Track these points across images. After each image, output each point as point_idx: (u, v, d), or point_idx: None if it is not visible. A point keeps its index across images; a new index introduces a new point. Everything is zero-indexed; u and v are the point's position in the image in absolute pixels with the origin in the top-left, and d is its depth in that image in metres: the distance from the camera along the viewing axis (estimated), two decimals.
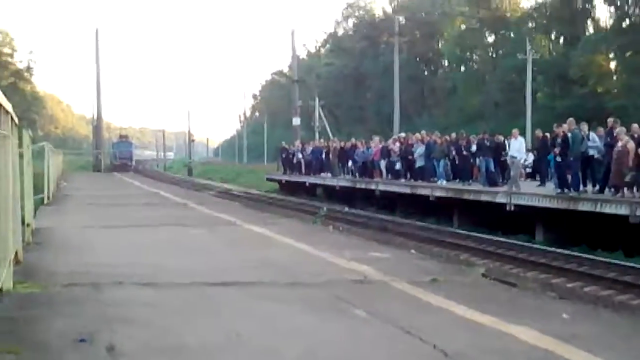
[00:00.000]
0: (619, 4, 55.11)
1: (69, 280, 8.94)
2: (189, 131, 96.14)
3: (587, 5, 59.61)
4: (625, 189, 17.93)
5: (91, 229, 16.05)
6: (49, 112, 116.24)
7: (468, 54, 74.14)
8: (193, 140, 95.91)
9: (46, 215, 18.99)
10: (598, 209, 18.19)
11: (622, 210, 17.28)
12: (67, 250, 12.36)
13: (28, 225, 12.89)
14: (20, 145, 11.32)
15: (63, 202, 25.26)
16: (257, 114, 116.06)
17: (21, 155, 11.50)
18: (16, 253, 9.65)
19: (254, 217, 20.56)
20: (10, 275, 8.15)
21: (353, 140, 37.49)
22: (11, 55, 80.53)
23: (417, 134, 31.94)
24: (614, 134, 19.02)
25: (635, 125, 19.22)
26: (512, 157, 23.30)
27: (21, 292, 8.14)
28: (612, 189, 18.52)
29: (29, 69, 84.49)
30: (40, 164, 24.10)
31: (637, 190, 17.89)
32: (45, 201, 23.61)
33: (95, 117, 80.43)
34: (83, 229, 15.84)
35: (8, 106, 7.53)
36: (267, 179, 48.75)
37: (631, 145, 17.83)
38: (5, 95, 7.37)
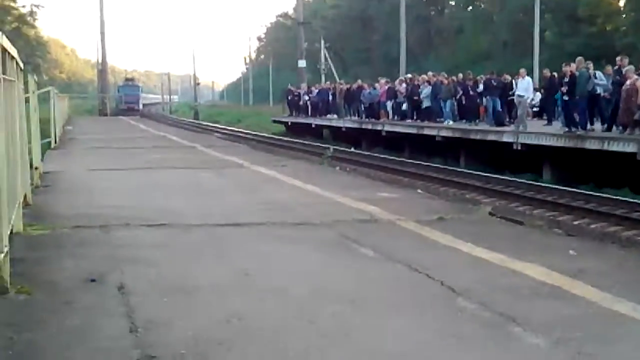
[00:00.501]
0: None
1: (78, 222, 9.01)
2: (194, 74, 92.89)
3: None
4: (634, 126, 17.86)
5: (98, 171, 15.95)
6: (53, 57, 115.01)
7: None
8: (198, 84, 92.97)
9: (53, 159, 18.93)
10: (605, 147, 18.05)
11: (630, 148, 17.15)
12: (75, 192, 12.41)
13: (36, 168, 12.98)
14: (26, 90, 11.33)
15: (70, 146, 24.87)
16: (262, 56, 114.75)
17: (27, 100, 11.45)
18: (25, 196, 9.73)
19: (261, 159, 20.31)
20: (20, 217, 8.17)
21: (359, 81, 36.61)
22: (14, 0, 79.56)
23: (424, 75, 31.53)
24: (623, 72, 18.71)
25: None
26: (519, 96, 22.98)
27: (31, 234, 8.19)
28: (621, 127, 18.37)
29: (32, 13, 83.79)
30: (46, 108, 23.86)
31: None
32: (52, 145, 23.38)
33: (100, 60, 77.09)
34: (90, 172, 15.84)
35: (13, 51, 7.44)
36: (273, 121, 48.14)
37: (639, 83, 17.72)
38: (10, 40, 7.19)
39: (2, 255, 5.53)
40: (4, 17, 69.78)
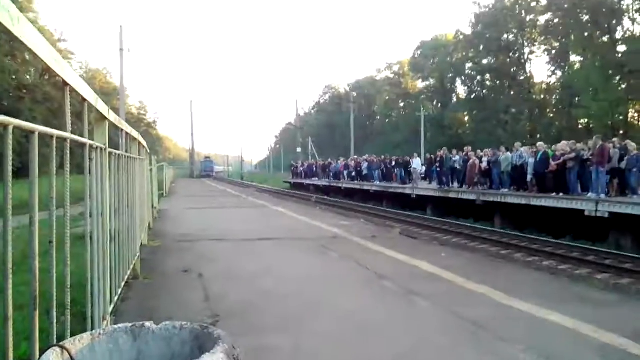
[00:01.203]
0: (469, 85, 60.77)
1: (177, 238, 9.62)
2: (241, 155, 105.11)
3: (452, 86, 65.54)
4: (474, 185, 19.80)
5: (188, 209, 16.94)
6: (165, 145, 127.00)
7: (390, 112, 79.36)
8: (243, 161, 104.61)
9: (164, 202, 19.83)
10: (460, 196, 19.76)
11: (472, 197, 18.92)
12: (175, 221, 13.08)
13: (155, 207, 13.57)
14: (150, 164, 11.88)
15: (173, 195, 25.82)
16: (278, 145, 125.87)
17: (151, 170, 12.02)
18: (149, 223, 10.33)
19: (276, 202, 21.76)
20: (146, 235, 8.74)
21: (329, 160, 41.26)
22: (145, 114, 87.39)
23: (364, 156, 34.64)
24: (468, 155, 21.03)
25: (480, 151, 21.19)
26: (414, 168, 25.02)
27: (152, 245, 8.74)
28: (468, 185, 20.15)
29: (154, 122, 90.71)
30: (161, 174, 24.74)
31: (481, 187, 19.66)
32: (165, 194, 24.26)
33: (190, 148, 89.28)
34: (184, 210, 16.72)
35: (144, 143, 8.05)
36: (284, 182, 52.49)
37: (476, 161, 19.83)
38: (142, 137, 7.87)
39: (137, 257, 6.00)
40: (139, 124, 74.83)
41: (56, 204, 2.33)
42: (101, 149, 3.53)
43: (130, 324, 2.04)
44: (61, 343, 1.85)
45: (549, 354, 3.71)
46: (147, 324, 2.03)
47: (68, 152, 2.52)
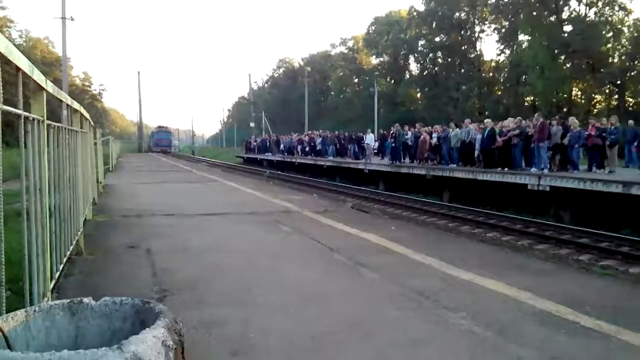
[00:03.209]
0: (422, 62, 61.69)
1: (123, 213, 9.40)
2: (192, 129, 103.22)
3: (406, 62, 66.07)
4: (424, 160, 20.24)
5: (136, 184, 16.48)
6: (112, 118, 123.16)
7: (344, 88, 79.15)
8: (195, 135, 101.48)
9: (110, 177, 19.12)
10: (410, 171, 20.15)
11: (422, 172, 19.29)
12: (122, 196, 12.75)
13: (100, 182, 13.20)
14: (94, 138, 11.25)
15: (120, 170, 24.92)
16: (230, 120, 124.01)
17: (95, 144, 11.42)
18: (94, 198, 10.03)
19: (229, 177, 21.19)
20: (90, 210, 8.57)
21: (282, 135, 41.37)
22: (89, 86, 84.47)
23: (317, 131, 34.55)
24: (418, 131, 21.45)
25: (430, 127, 21.92)
26: (367, 144, 25.20)
27: (97, 220, 8.55)
28: (418, 161, 20.58)
29: (99, 93, 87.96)
30: (107, 148, 24.04)
31: (431, 162, 20.15)
32: (110, 169, 23.49)
33: (138, 120, 76.52)
34: (131, 185, 16.27)
35: (87, 115, 7.81)
36: (236, 156, 51.66)
37: (427, 137, 20.26)
38: (86, 109, 7.71)
39: (80, 232, 5.82)
40: (84, 96, 72.55)
41: None
42: (38, 121, 3.37)
43: (68, 300, 1.99)
44: None
45: (489, 321, 3.87)
46: (86, 300, 1.99)
47: (0, 123, 2.38)
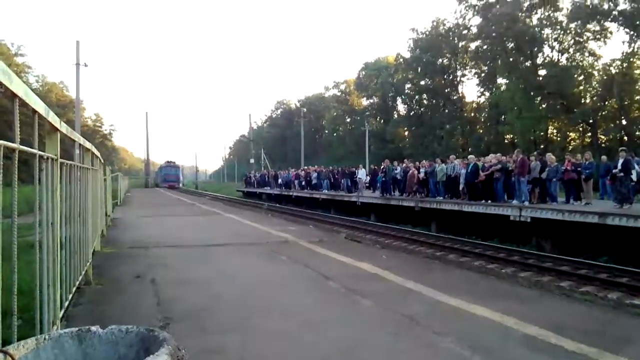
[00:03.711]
0: (408, 103, 62.39)
1: (130, 245, 9.38)
2: (196, 165, 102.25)
3: (394, 104, 66.86)
4: (413, 194, 20.18)
5: (143, 217, 16.43)
6: (121, 156, 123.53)
7: (337, 127, 79.96)
8: (198, 170, 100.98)
9: (118, 211, 19.13)
10: (400, 204, 20.07)
11: (411, 204, 19.19)
12: (129, 229, 12.65)
13: (108, 216, 13.18)
14: (104, 174, 11.31)
15: (127, 204, 24.88)
16: (232, 156, 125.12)
17: (105, 180, 11.44)
18: (102, 231, 10.05)
19: (229, 210, 21.25)
20: (99, 242, 8.58)
21: (280, 171, 41.37)
22: (100, 126, 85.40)
23: (313, 167, 34.72)
24: (407, 167, 21.49)
25: (418, 163, 21.80)
26: (359, 178, 25.38)
27: (104, 252, 8.51)
28: (407, 194, 20.53)
29: (110, 133, 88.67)
30: (116, 184, 24.08)
31: (419, 195, 20.10)
32: (119, 203, 23.54)
33: (145, 157, 75.55)
34: (138, 218, 16.23)
35: (98, 154, 7.82)
36: (237, 190, 51.54)
37: (415, 172, 20.27)
38: (97, 148, 7.76)
39: (88, 263, 5.79)
40: (95, 136, 73.38)
41: (7, 213, 2.22)
42: (52, 159, 3.38)
43: (76, 329, 1.96)
44: (4, 348, 1.75)
45: (477, 344, 3.81)
46: (93, 328, 1.96)
47: (16, 162, 2.40)
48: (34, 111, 2.81)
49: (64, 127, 3.79)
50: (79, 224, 4.99)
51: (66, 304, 4.05)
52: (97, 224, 8.35)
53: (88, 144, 6.16)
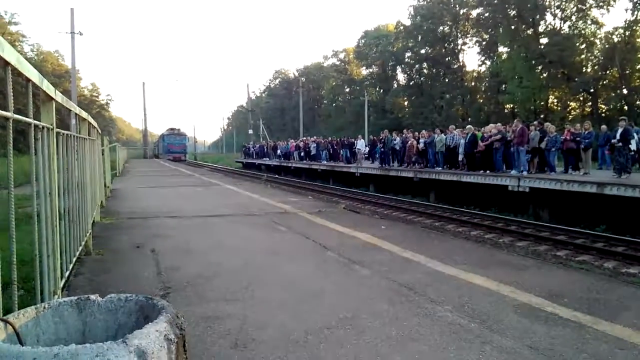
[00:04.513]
0: (408, 72, 61.82)
1: (129, 215, 9.33)
2: (194, 136, 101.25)
3: (393, 73, 66.27)
4: (412, 164, 20.23)
5: (141, 188, 16.30)
6: (118, 127, 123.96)
7: (336, 97, 79.47)
8: (196, 141, 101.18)
9: (117, 181, 19.01)
10: (398, 174, 20.16)
11: (410, 175, 19.33)
12: (128, 199, 12.62)
13: (107, 187, 13.14)
14: (102, 144, 11.22)
15: (126, 175, 24.71)
16: (230, 127, 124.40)
17: (103, 151, 11.37)
18: (102, 202, 10.05)
19: (229, 180, 20.98)
20: (98, 213, 8.54)
21: (279, 141, 41.70)
22: (97, 96, 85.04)
23: (312, 138, 34.46)
24: (406, 137, 21.42)
25: (417, 133, 21.63)
26: (358, 149, 25.38)
27: (104, 222, 8.48)
28: (406, 164, 20.56)
29: (107, 103, 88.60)
30: (114, 155, 24.03)
31: (418, 166, 20.17)
32: (117, 174, 23.43)
33: (143, 128, 72.66)
34: (137, 188, 16.09)
35: (95, 124, 7.80)
36: (236, 161, 51.73)
37: (414, 142, 20.27)
38: (94, 118, 7.73)
39: (88, 234, 5.78)
40: (92, 106, 73.28)
41: (4, 184, 2.21)
42: (48, 129, 3.34)
43: (76, 298, 1.97)
44: (4, 317, 1.76)
45: (474, 313, 3.87)
46: (92, 297, 1.97)
47: (10, 131, 2.37)
48: (28, 80, 2.77)
49: (59, 96, 3.73)
50: (78, 195, 4.97)
51: (67, 274, 4.08)
52: (96, 194, 8.32)
53: (84, 114, 6.10)
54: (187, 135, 60.96)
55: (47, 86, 3.25)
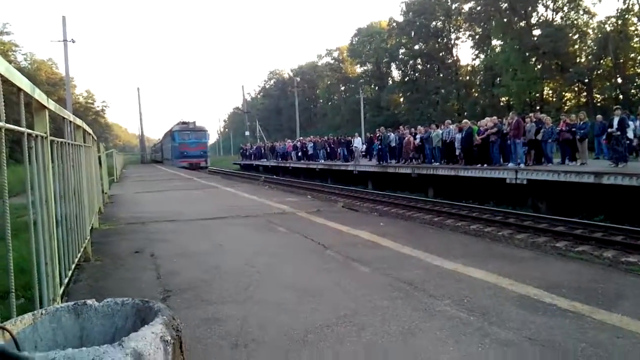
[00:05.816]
0: (403, 69, 62.03)
1: (128, 221, 9.27)
2: None
3: (388, 70, 66.53)
4: (409, 160, 20.39)
5: (139, 193, 16.15)
6: (115, 133, 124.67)
7: (332, 96, 79.98)
8: None
9: (115, 187, 18.81)
10: (396, 171, 20.28)
11: (408, 171, 19.37)
12: (126, 205, 12.52)
13: (105, 193, 12.94)
14: (99, 151, 11.22)
15: (123, 180, 24.57)
16: (226, 129, 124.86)
17: (100, 157, 11.40)
18: (100, 208, 10.03)
19: (226, 183, 20.68)
20: (97, 219, 8.48)
21: (276, 142, 41.89)
22: (92, 103, 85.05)
23: (309, 137, 34.90)
24: (402, 133, 21.51)
25: (413, 129, 21.79)
26: (356, 147, 25.37)
27: (102, 228, 8.39)
28: (403, 161, 20.67)
29: (102, 110, 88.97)
30: (111, 160, 24.01)
31: (415, 162, 20.28)
32: (115, 180, 23.27)
33: (140, 134, 69.39)
34: (135, 194, 15.93)
35: (90, 131, 7.75)
36: (234, 163, 52.28)
37: (410, 138, 20.38)
38: (90, 125, 7.70)
39: (87, 240, 5.77)
40: (87, 113, 73.74)
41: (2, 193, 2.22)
42: (42, 137, 3.35)
43: (73, 303, 1.98)
44: (1, 324, 1.77)
45: (473, 306, 3.88)
46: (89, 301, 1.98)
47: (2, 140, 2.38)
48: (19, 89, 2.78)
49: (51, 104, 3.74)
50: (75, 202, 4.96)
51: (66, 280, 4.07)
52: (94, 201, 8.32)
53: (79, 121, 6.10)
54: (207, 130, 44.25)
55: (39, 94, 3.26)
